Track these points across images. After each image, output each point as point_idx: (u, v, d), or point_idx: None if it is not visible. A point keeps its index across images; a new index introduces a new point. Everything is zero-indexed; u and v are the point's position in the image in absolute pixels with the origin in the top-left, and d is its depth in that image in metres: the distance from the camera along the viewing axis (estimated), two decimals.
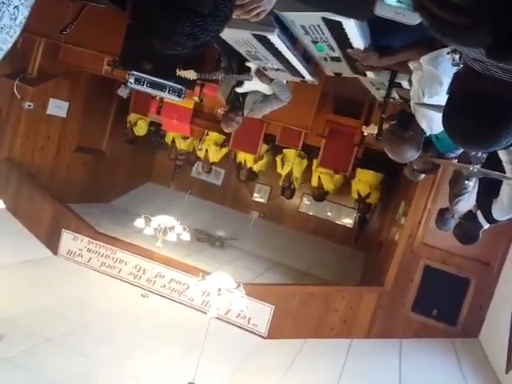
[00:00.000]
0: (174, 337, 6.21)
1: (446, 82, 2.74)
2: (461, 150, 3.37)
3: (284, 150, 9.88)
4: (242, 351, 6.45)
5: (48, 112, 8.70)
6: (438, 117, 2.82)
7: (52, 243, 8.02)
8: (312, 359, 6.29)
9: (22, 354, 4.99)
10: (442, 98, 2.69)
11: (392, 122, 3.29)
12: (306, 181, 10.31)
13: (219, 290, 5.41)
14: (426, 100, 2.83)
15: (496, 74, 1.22)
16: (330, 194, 10.16)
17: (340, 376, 5.56)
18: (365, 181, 9.53)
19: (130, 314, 6.69)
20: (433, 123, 2.96)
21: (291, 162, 9.88)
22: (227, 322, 6.95)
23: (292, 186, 10.33)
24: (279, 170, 10.13)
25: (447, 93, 1.47)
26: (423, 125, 3.04)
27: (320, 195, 9.94)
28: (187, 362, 5.43)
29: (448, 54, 2.80)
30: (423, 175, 4.46)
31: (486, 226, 3.95)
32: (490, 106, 1.30)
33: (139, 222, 7.36)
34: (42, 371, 4.79)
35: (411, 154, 3.24)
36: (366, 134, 4.34)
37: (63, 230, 8.00)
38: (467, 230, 4.19)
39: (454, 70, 2.75)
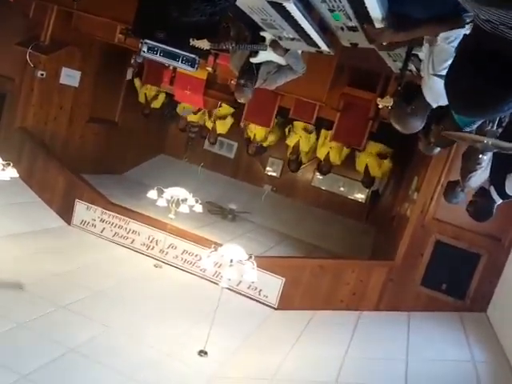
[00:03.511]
0: (186, 306, 6.32)
1: None
2: (476, 125, 3.32)
3: (294, 123, 9.77)
4: (253, 321, 6.55)
5: (60, 81, 8.71)
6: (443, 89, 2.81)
7: (66, 213, 8.12)
8: (321, 330, 6.37)
9: (38, 320, 5.12)
10: None
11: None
12: (314, 157, 10.25)
13: (231, 261, 5.46)
14: (435, 78, 2.82)
15: (507, 35, 1.20)
16: (343, 169, 10.12)
17: (348, 346, 5.63)
18: (372, 153, 9.42)
19: (143, 283, 6.81)
20: (439, 96, 2.96)
21: (298, 135, 9.80)
22: (238, 293, 7.04)
23: (299, 160, 10.25)
24: (287, 141, 10.04)
25: (454, 51, 1.45)
26: (428, 97, 3.04)
27: (327, 169, 9.87)
28: (199, 330, 5.53)
29: (467, 24, 2.74)
30: (438, 149, 4.41)
31: (499, 201, 3.92)
32: (500, 65, 1.28)
33: (152, 194, 7.40)
34: (56, 337, 4.90)
35: (416, 125, 3.29)
36: (380, 106, 4.26)
37: (76, 200, 8.08)
38: (481, 207, 4.16)
39: None
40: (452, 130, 3.49)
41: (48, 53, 8.17)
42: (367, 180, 9.84)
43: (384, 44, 3.45)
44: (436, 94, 2.98)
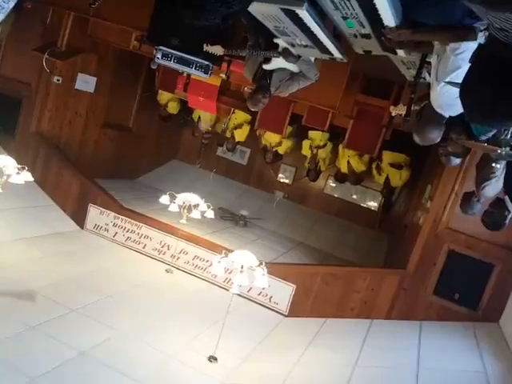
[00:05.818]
0: (197, 312, 6.32)
1: (464, 68, 2.71)
2: (491, 133, 3.31)
3: (309, 133, 9.78)
4: (263, 328, 6.52)
5: (76, 87, 8.81)
6: (450, 100, 2.82)
7: (79, 217, 8.19)
8: (331, 338, 6.33)
9: (49, 323, 5.14)
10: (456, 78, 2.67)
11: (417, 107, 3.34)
12: (332, 163, 10.25)
13: (241, 267, 5.45)
14: (439, 88, 2.84)
15: None
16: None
17: (359, 354, 5.59)
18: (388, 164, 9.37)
19: (154, 288, 6.82)
20: (446, 107, 2.97)
21: (317, 144, 9.82)
22: (249, 300, 7.03)
23: (318, 168, 10.27)
24: (304, 151, 10.05)
25: (469, 61, 1.45)
26: (437, 109, 3.05)
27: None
28: (209, 336, 5.53)
29: (481, 31, 2.74)
30: (459, 161, 4.39)
31: None
32: None
33: (164, 199, 7.42)
34: (67, 340, 4.91)
35: (433, 136, 3.30)
36: (393, 114, 4.27)
37: (90, 204, 8.14)
38: (496, 217, 4.15)
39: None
40: (466, 138, 3.49)
41: (64, 59, 8.26)
42: (388, 191, 9.84)
43: (400, 41, 3.43)
44: (441, 102, 2.99)
